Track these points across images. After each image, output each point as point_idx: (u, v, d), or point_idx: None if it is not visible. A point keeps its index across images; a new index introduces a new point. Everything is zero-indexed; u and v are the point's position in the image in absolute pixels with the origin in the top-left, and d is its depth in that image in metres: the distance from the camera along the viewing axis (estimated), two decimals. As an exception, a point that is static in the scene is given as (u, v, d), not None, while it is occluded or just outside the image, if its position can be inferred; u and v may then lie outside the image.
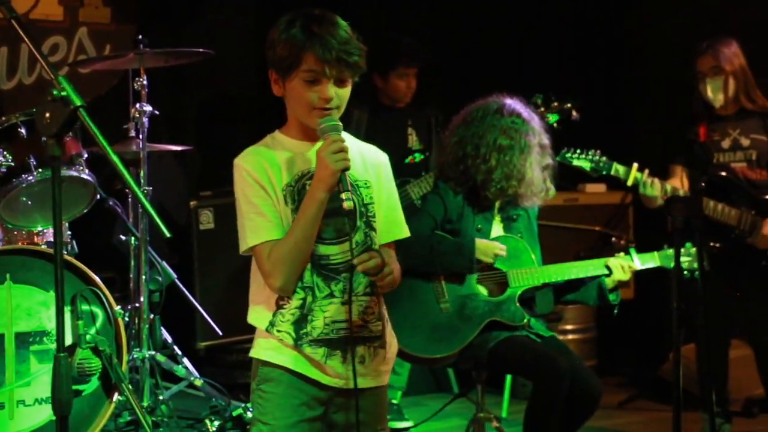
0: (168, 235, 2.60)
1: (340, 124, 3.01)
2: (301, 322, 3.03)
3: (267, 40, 3.05)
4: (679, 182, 5.39)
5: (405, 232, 3.21)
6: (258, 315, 3.09)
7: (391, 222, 3.17)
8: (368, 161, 3.16)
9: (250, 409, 4.40)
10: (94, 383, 4.69)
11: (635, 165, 5.17)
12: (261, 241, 2.99)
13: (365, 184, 3.11)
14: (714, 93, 5.45)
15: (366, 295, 3.08)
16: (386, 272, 2.99)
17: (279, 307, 3.05)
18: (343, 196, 2.93)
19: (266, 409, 3.07)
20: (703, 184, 4.43)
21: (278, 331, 3.04)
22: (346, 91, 3.04)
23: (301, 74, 2.98)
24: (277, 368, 3.06)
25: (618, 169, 5.16)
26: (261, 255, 2.99)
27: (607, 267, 4.57)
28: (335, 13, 3.07)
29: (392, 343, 3.21)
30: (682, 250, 4.43)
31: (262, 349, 3.09)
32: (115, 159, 2.70)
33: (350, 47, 3.00)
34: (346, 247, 3.03)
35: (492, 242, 4.55)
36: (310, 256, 3.01)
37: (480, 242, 4.53)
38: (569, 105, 5.56)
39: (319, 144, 3.02)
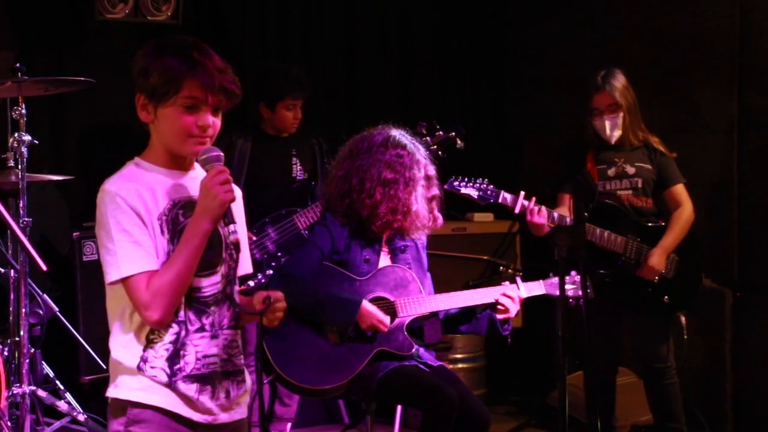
0: (44, 268, 2.53)
1: (222, 154, 2.98)
2: (174, 357, 2.98)
3: (135, 66, 3.00)
4: (567, 210, 5.44)
5: (249, 269, 3.24)
6: (125, 351, 2.98)
7: (245, 257, 3.19)
8: None
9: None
10: (-28, 421, 4.55)
11: (522, 193, 5.21)
12: (138, 272, 2.90)
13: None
14: (612, 130, 5.53)
15: (230, 329, 3.07)
16: (279, 307, 2.99)
17: (150, 341, 2.97)
18: (231, 228, 2.92)
19: None
20: (586, 213, 4.48)
21: (152, 367, 2.96)
22: (219, 121, 3.02)
23: (180, 100, 2.94)
24: (149, 408, 2.98)
25: (506, 197, 5.19)
26: (137, 286, 2.90)
27: (497, 302, 4.58)
28: (215, 43, 3.05)
29: (247, 375, 3.20)
30: (567, 278, 4.47)
31: (130, 389, 2.98)
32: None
33: (228, 76, 2.98)
34: (216, 280, 3.02)
35: (377, 313, 4.49)
36: (188, 288, 2.96)
37: (365, 307, 4.48)
38: (453, 134, 5.57)
39: (192, 171, 3.01)
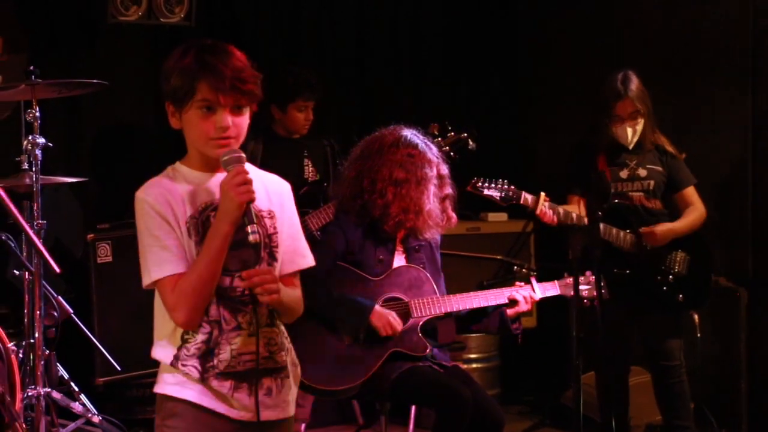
0: (58, 270, 2.54)
1: (243, 155, 2.98)
2: (207, 355, 2.99)
3: (161, 72, 3.02)
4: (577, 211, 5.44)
5: (309, 261, 3.19)
6: (162, 349, 3.03)
7: (293, 251, 3.14)
8: (271, 191, 3.13)
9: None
10: (-14, 423, 4.56)
11: (542, 194, 5.19)
12: (165, 275, 2.93)
13: (269, 214, 3.08)
14: (632, 137, 5.52)
15: (269, 326, 3.05)
16: (272, 287, 2.95)
17: (184, 341, 3.00)
18: (249, 229, 2.91)
19: None
20: (600, 213, 4.47)
21: (183, 365, 2.99)
22: (243, 120, 3.01)
23: (196, 104, 2.95)
24: (182, 403, 3.01)
25: (527, 198, 5.18)
26: (165, 289, 2.94)
27: (508, 298, 4.59)
28: (231, 44, 3.05)
29: (296, 372, 3.19)
30: (581, 278, 4.47)
31: (166, 384, 3.03)
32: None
33: (244, 75, 2.97)
34: None
35: (391, 316, 4.50)
36: (214, 289, 2.96)
37: (377, 310, 4.49)
38: (465, 135, 5.56)
39: (221, 174, 2.99)
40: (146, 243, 2.96)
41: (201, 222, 2.98)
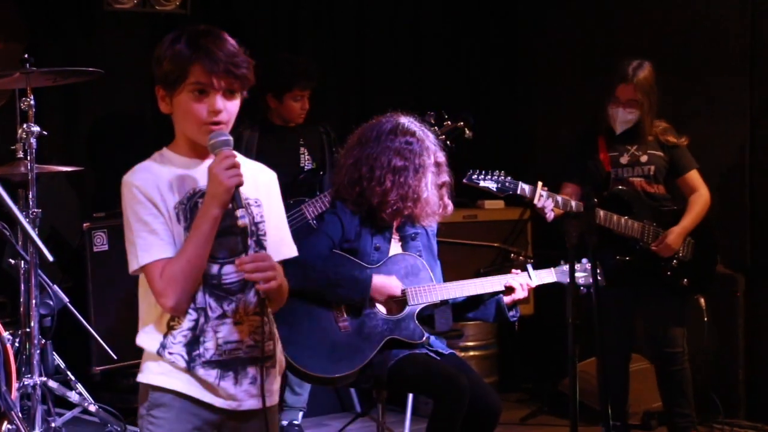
0: (51, 259, 2.53)
1: (231, 138, 2.97)
2: (193, 343, 2.98)
3: (153, 57, 3.01)
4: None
5: (293, 251, 3.19)
6: (147, 336, 3.01)
7: (280, 241, 3.15)
8: (259, 179, 3.13)
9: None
10: (-19, 412, 4.56)
11: (539, 183, 5.18)
12: (153, 260, 2.92)
13: (256, 202, 3.07)
14: (622, 123, 5.51)
15: (256, 315, 3.03)
16: (269, 274, 2.93)
17: (170, 328, 2.98)
18: (238, 213, 2.89)
19: None
20: (596, 199, 4.46)
21: (170, 353, 2.97)
22: (234, 105, 3.00)
23: (189, 87, 2.94)
24: (169, 393, 2.99)
25: (524, 188, 5.17)
26: (153, 274, 2.92)
27: (505, 286, 4.59)
28: (224, 31, 3.03)
29: (282, 361, 3.18)
30: (578, 265, 4.47)
31: (152, 374, 3.01)
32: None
33: (237, 59, 2.96)
34: None
35: (390, 282, 4.50)
36: (202, 274, 2.95)
37: (377, 280, 4.49)
38: (461, 123, 5.55)
39: (209, 161, 2.98)
40: (134, 228, 2.93)
41: (189, 208, 2.97)
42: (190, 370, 2.97)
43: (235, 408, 3.02)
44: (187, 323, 2.98)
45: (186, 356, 2.97)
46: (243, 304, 3.01)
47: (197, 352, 2.98)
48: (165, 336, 2.99)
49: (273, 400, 3.13)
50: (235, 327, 3.00)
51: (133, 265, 2.96)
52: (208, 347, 2.98)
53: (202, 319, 2.98)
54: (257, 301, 3.01)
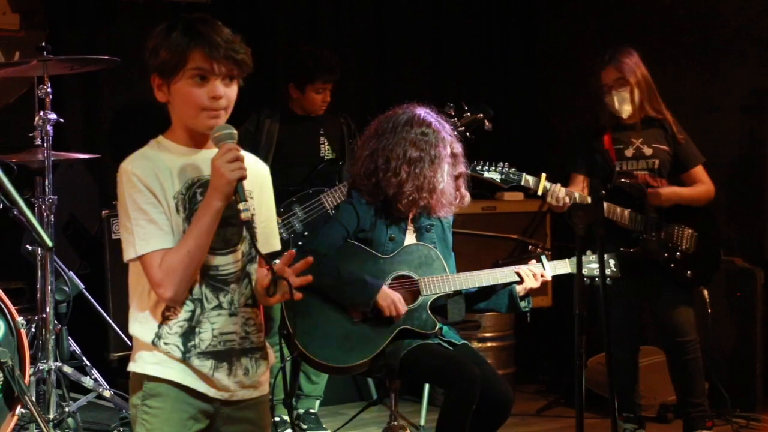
0: (50, 245, 2.54)
1: (235, 131, 2.97)
2: (189, 334, 2.98)
3: (147, 48, 3.00)
4: (580, 191, 5.44)
5: (278, 245, 3.19)
6: (141, 326, 3.00)
7: (270, 233, 3.16)
8: (252, 172, 3.08)
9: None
10: (-4, 395, 4.60)
11: (543, 175, 5.19)
12: (152, 250, 2.91)
13: (249, 194, 3.05)
14: (621, 104, 5.54)
15: (247, 307, 3.06)
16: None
17: (165, 318, 2.98)
18: (241, 206, 2.89)
19: (154, 425, 3.00)
20: (604, 191, 4.46)
21: (165, 343, 2.97)
22: (233, 91, 3.00)
23: (189, 73, 2.94)
24: (165, 383, 2.99)
25: (528, 179, 5.17)
26: (151, 264, 2.91)
27: (518, 274, 4.58)
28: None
29: (271, 353, 3.20)
30: (590, 257, 4.46)
31: (147, 363, 3.00)
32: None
33: (236, 45, 2.96)
34: (235, 258, 3.01)
35: (396, 297, 4.49)
36: (201, 266, 2.96)
37: (385, 290, 4.48)
38: (481, 115, 5.55)
39: (209, 150, 2.99)
40: (132, 216, 2.92)
41: (188, 198, 2.97)
42: (185, 360, 2.98)
43: (228, 398, 3.04)
44: (183, 314, 2.98)
45: (182, 347, 2.98)
46: (237, 295, 3.03)
47: (193, 342, 2.98)
48: (160, 326, 2.98)
49: (264, 389, 3.15)
50: (230, 318, 3.01)
51: (129, 254, 2.94)
52: (204, 338, 2.99)
53: (198, 310, 2.98)
54: (250, 292, 3.03)
